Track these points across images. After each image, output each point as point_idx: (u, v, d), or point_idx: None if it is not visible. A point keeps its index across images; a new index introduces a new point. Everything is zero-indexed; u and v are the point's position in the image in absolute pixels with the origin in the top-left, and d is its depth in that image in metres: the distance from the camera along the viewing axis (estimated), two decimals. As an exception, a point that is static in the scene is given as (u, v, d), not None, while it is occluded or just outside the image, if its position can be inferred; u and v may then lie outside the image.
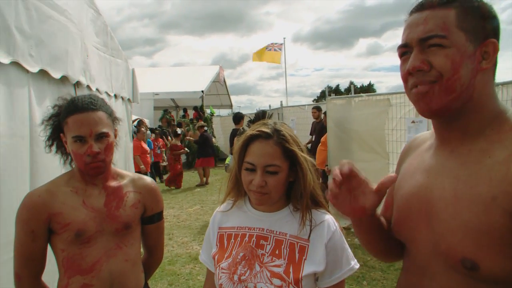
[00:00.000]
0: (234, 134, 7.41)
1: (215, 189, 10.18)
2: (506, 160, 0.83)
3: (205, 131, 11.10)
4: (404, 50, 0.95)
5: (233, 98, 20.39)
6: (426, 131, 1.20)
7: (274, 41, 16.55)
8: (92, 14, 3.20)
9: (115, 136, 1.54)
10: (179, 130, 11.27)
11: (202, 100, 14.79)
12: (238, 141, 1.32)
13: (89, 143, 1.40)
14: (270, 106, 11.59)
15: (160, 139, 11.35)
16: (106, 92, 3.55)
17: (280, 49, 16.10)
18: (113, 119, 1.53)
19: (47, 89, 2.38)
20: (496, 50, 0.90)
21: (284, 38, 17.25)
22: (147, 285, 1.68)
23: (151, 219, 1.66)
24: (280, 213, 1.33)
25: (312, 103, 16.15)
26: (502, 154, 0.85)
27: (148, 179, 1.68)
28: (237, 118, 7.72)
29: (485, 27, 0.89)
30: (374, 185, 0.97)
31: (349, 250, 1.32)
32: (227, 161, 7.43)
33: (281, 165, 1.24)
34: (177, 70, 20.33)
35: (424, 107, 0.93)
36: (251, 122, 1.40)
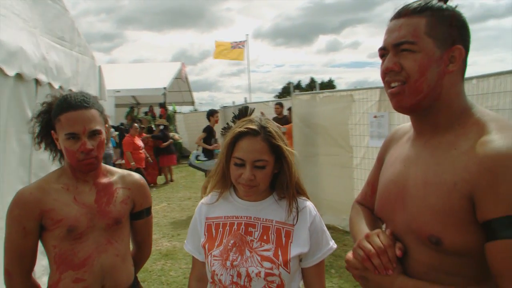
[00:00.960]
0: (209, 130, 7.46)
1: (181, 186, 10.14)
2: (468, 150, 0.95)
3: (163, 128, 10.93)
4: (383, 53, 1.08)
5: (195, 95, 20.25)
6: (406, 124, 1.32)
7: (235, 39, 16.58)
8: (57, 10, 3.14)
9: (106, 133, 1.56)
10: (153, 126, 11.03)
11: (165, 97, 14.58)
12: (226, 137, 1.39)
13: (83, 140, 1.42)
14: (234, 102, 11.63)
15: (144, 134, 11.01)
16: (70, 90, 3.48)
17: (243, 46, 16.15)
18: (104, 117, 1.55)
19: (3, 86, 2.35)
20: (461, 55, 1.02)
21: (247, 35, 17.33)
22: (136, 279, 1.72)
23: (139, 215, 1.69)
24: (265, 202, 1.42)
25: (275, 99, 16.37)
26: (465, 145, 0.97)
27: (136, 175, 1.71)
28: (208, 115, 7.73)
29: (453, 34, 1.01)
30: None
31: (327, 232, 1.46)
32: (190, 157, 7.41)
33: (268, 160, 1.33)
34: (138, 66, 19.90)
35: (396, 104, 1.07)
36: (236, 118, 1.47)
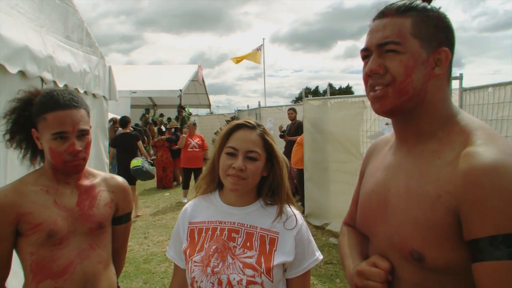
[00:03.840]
0: (124, 138, 7.34)
1: (190, 188, 10.16)
2: (453, 161, 0.88)
3: (175, 131, 10.94)
4: (366, 54, 1.01)
5: (211, 98, 20.40)
6: (387, 134, 1.27)
7: (253, 43, 16.56)
8: (65, 10, 3.16)
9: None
10: (163, 128, 11.05)
11: (181, 99, 14.68)
12: (222, 130, 1.41)
13: (71, 140, 1.36)
14: (248, 106, 11.64)
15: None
16: (76, 89, 3.49)
17: (260, 50, 16.16)
18: (90, 116, 1.49)
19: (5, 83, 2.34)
20: (448, 57, 0.96)
21: (263, 38, 17.31)
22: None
23: (119, 220, 1.62)
24: (251, 207, 1.38)
25: (290, 104, 16.28)
26: (450, 155, 0.90)
27: (120, 178, 1.65)
28: (124, 122, 7.59)
29: (439, 35, 0.95)
30: None
31: (314, 242, 1.40)
32: (133, 164, 6.89)
33: (261, 154, 1.33)
34: (155, 68, 20.11)
35: (378, 108, 0.99)
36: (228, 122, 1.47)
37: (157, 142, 10.37)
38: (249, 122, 1.37)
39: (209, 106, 22.16)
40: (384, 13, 0.98)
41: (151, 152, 11.27)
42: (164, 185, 10.11)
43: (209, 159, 1.48)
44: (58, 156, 1.37)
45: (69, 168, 1.40)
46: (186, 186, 8.52)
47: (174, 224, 5.55)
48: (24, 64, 2.50)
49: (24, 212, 1.35)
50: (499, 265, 0.77)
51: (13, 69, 2.38)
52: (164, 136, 10.37)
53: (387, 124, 4.91)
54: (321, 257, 1.40)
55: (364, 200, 1.13)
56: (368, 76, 0.99)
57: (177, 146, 10.26)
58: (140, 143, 7.80)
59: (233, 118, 1.88)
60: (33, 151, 1.48)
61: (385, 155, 1.13)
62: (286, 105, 10.26)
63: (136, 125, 13.56)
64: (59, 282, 1.39)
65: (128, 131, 7.57)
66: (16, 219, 1.35)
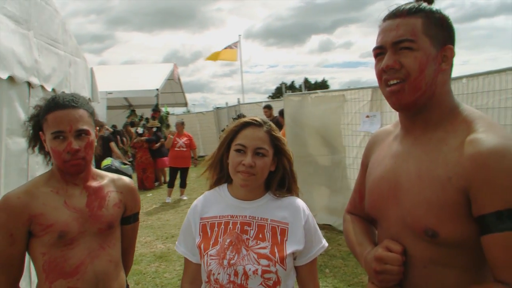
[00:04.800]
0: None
1: (174, 188, 10.12)
2: (458, 147, 1.00)
3: (156, 131, 10.86)
4: (379, 51, 1.10)
5: (187, 96, 20.17)
6: (386, 126, 1.37)
7: (227, 39, 16.53)
8: (50, 12, 3.12)
9: (96, 136, 1.52)
10: (140, 130, 10.92)
11: (158, 99, 14.50)
12: (228, 128, 1.48)
13: (69, 139, 1.38)
14: (227, 103, 11.67)
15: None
16: (63, 92, 3.47)
17: (236, 47, 16.13)
18: (95, 119, 1.52)
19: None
20: (452, 54, 1.08)
21: (239, 35, 17.30)
22: (128, 287, 1.68)
23: (128, 220, 1.66)
24: (260, 200, 1.45)
25: (267, 99, 16.34)
26: (455, 142, 1.02)
27: (127, 179, 1.69)
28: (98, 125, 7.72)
29: (444, 34, 1.07)
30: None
31: (319, 230, 1.49)
32: (103, 164, 6.92)
33: (268, 150, 1.40)
34: (130, 68, 19.72)
35: (395, 102, 1.08)
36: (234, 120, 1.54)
37: (136, 143, 10.27)
38: (255, 120, 1.44)
39: (185, 104, 21.91)
40: (396, 14, 1.08)
41: (129, 153, 11.12)
42: (145, 186, 10.03)
43: (211, 157, 1.54)
44: (58, 155, 1.40)
45: (69, 167, 1.42)
46: (171, 185, 8.52)
47: (160, 225, 5.55)
48: (12, 69, 2.47)
49: (36, 213, 1.39)
50: (506, 235, 0.89)
51: (3, 75, 2.35)
52: (144, 137, 10.27)
53: (367, 116, 5.07)
54: (326, 244, 1.49)
55: (373, 187, 1.22)
56: (383, 72, 1.08)
57: (157, 145, 10.19)
58: (112, 144, 7.77)
59: (239, 116, 1.96)
60: (45, 154, 1.53)
61: (389, 144, 1.22)
62: (265, 101, 10.37)
63: (113, 126, 13.36)
64: (72, 281, 1.42)
65: (101, 134, 7.50)
66: (28, 221, 1.39)
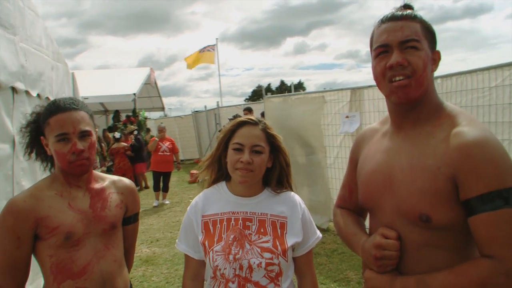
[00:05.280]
0: None
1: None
2: (445, 139, 1.11)
3: (137, 135, 10.76)
4: (382, 50, 1.19)
5: (163, 100, 20.01)
6: (372, 124, 1.48)
7: (202, 42, 16.51)
8: (32, 17, 3.11)
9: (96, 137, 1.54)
10: (117, 134, 10.77)
11: (135, 103, 14.35)
12: (225, 127, 1.54)
13: (73, 141, 1.41)
14: (205, 107, 11.66)
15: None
16: (47, 98, 3.44)
17: (213, 50, 16.15)
18: (93, 120, 1.55)
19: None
20: (439, 57, 1.21)
21: (216, 38, 17.26)
22: (131, 286, 1.71)
23: (128, 220, 1.69)
24: (259, 196, 1.52)
25: (245, 102, 16.40)
26: (442, 135, 1.13)
27: (127, 180, 1.73)
28: None
29: (433, 39, 1.19)
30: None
31: (314, 223, 1.59)
32: None
33: (265, 147, 1.48)
34: (105, 72, 19.36)
35: (402, 96, 1.17)
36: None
37: (113, 149, 10.14)
38: (251, 119, 1.51)
39: (163, 109, 21.76)
40: (398, 17, 1.18)
41: (107, 159, 10.95)
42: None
43: (209, 158, 1.60)
44: (62, 157, 1.42)
45: (74, 168, 1.45)
46: (157, 189, 8.52)
47: (144, 229, 5.55)
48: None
49: (42, 216, 1.41)
50: (489, 215, 1.01)
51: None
52: (126, 144, 10.14)
53: (347, 117, 5.22)
54: (321, 235, 1.58)
55: (366, 180, 1.32)
56: (389, 69, 1.16)
57: (130, 153, 10.04)
58: None
59: (235, 117, 2.05)
60: (45, 159, 1.55)
61: (379, 140, 1.33)
62: (244, 104, 10.43)
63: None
64: (79, 282, 1.45)
65: None
66: (35, 224, 1.41)
